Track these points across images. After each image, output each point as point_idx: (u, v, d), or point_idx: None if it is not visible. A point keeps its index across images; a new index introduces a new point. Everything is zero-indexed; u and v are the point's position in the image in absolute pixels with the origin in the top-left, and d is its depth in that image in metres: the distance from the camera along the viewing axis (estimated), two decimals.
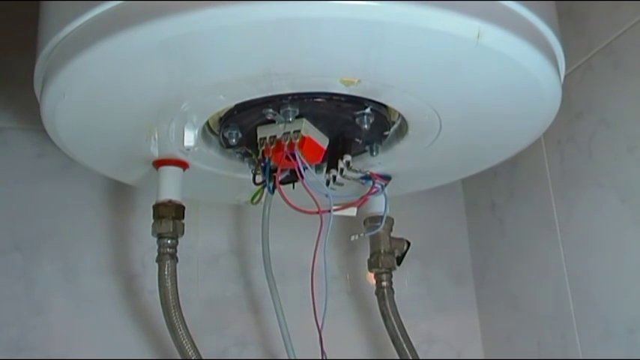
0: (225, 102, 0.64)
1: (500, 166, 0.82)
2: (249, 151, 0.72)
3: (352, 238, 0.78)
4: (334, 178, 0.70)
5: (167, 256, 0.73)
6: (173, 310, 0.72)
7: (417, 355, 0.82)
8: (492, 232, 0.99)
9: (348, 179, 0.72)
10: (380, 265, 0.82)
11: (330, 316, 0.70)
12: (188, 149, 0.71)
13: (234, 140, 0.69)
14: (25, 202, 0.87)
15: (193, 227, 0.89)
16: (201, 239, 0.92)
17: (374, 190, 0.76)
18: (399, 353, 0.83)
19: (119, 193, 0.91)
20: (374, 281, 0.84)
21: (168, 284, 0.73)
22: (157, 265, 0.73)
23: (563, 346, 0.84)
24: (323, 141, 0.69)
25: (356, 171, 0.74)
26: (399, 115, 0.68)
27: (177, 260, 0.74)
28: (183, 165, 0.75)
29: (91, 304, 0.86)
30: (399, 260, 0.83)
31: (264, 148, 0.67)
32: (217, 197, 0.90)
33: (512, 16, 0.56)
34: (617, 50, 0.77)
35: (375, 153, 0.74)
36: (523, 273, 0.93)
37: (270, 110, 0.65)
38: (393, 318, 0.82)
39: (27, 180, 0.88)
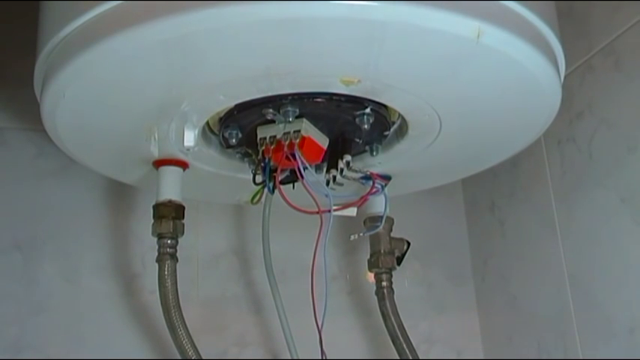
0: (225, 102, 0.64)
1: (500, 166, 0.82)
2: (249, 151, 0.72)
3: (352, 237, 0.78)
4: (334, 178, 0.70)
5: (167, 256, 0.73)
6: (173, 310, 0.72)
7: (417, 355, 0.82)
8: (492, 233, 0.99)
9: (348, 179, 0.72)
10: (380, 265, 0.82)
11: (330, 316, 0.70)
12: (188, 149, 0.71)
13: (234, 140, 0.69)
14: (25, 202, 0.87)
15: (193, 227, 0.88)
16: (201, 239, 0.92)
17: (374, 190, 0.76)
18: (399, 353, 0.83)
19: (119, 193, 0.90)
20: (374, 281, 0.83)
21: (169, 284, 0.73)
22: (157, 265, 0.73)
23: (563, 347, 0.84)
24: (323, 141, 0.69)
25: (356, 171, 0.74)
26: (399, 115, 0.68)
27: (177, 260, 0.74)
28: (183, 165, 0.75)
29: (91, 304, 0.86)
30: (399, 260, 0.83)
31: (264, 148, 0.67)
32: (217, 197, 0.90)
33: (512, 16, 0.56)
34: (618, 50, 0.77)
35: (375, 153, 0.74)
36: (523, 273, 0.93)
37: (270, 110, 0.65)
38: (393, 318, 0.82)
39: (27, 180, 0.88)
